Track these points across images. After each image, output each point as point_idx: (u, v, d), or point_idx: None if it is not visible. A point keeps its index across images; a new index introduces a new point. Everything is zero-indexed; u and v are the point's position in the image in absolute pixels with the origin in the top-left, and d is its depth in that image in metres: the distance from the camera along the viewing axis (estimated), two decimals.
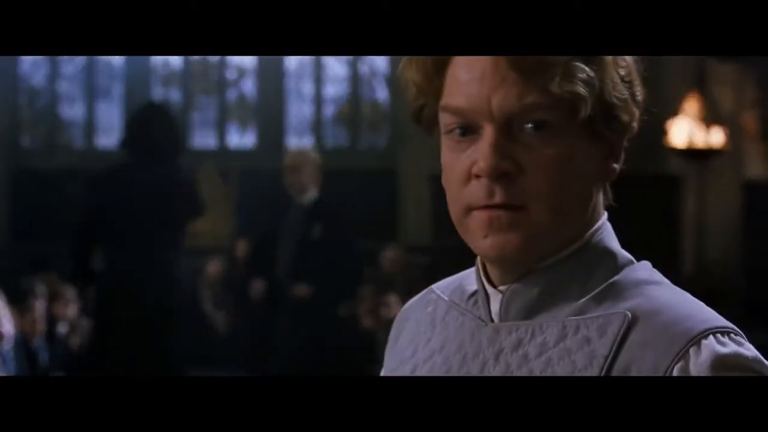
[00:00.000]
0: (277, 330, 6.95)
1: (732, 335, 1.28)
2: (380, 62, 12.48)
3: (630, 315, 1.29)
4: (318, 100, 12.87)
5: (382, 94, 12.82)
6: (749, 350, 1.28)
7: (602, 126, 1.32)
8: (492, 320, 1.38)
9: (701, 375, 1.25)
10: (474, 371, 1.36)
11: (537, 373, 1.31)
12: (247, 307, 8.93)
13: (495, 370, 1.35)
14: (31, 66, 12.85)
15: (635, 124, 1.35)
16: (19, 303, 7.20)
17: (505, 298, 1.37)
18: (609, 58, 1.32)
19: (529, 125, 1.30)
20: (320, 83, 12.84)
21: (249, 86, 12.99)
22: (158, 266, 5.95)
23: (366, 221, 9.27)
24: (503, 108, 1.30)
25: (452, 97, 1.33)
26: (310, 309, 6.64)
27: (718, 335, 1.27)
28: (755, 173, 11.28)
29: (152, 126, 5.98)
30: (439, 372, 1.40)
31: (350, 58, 12.44)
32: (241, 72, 12.98)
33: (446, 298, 1.47)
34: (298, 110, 12.94)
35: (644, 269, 1.37)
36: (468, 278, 1.46)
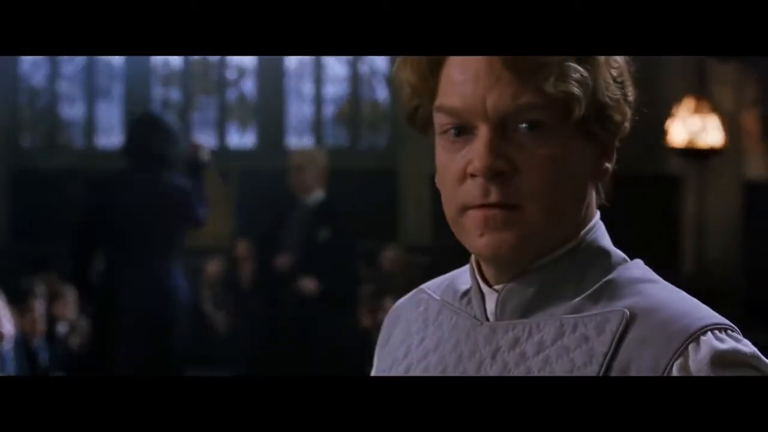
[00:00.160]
0: (278, 330, 6.93)
1: (729, 331, 1.30)
2: (380, 62, 12.47)
3: (628, 313, 1.30)
4: (318, 99, 12.86)
5: (382, 94, 12.82)
6: (747, 346, 1.29)
7: (595, 126, 1.33)
8: (487, 319, 1.39)
9: (701, 371, 1.26)
10: (470, 370, 1.37)
11: (535, 371, 1.32)
12: (247, 306, 8.94)
13: (492, 369, 1.35)
14: (31, 66, 12.84)
15: (627, 124, 1.37)
16: (19, 303, 7.20)
17: (500, 297, 1.37)
18: (602, 59, 1.33)
19: (524, 125, 1.31)
20: (320, 83, 12.83)
21: (249, 86, 12.99)
22: (157, 267, 5.96)
23: (366, 221, 9.26)
24: (498, 108, 1.30)
25: (447, 97, 1.34)
26: (313, 308, 6.64)
27: (716, 332, 1.28)
28: (755, 173, 11.27)
29: (149, 135, 6.03)
30: (434, 371, 1.40)
31: (350, 58, 12.43)
32: (241, 72, 12.98)
33: (438, 298, 1.48)
34: (298, 110, 12.93)
35: (638, 268, 1.38)
36: (459, 278, 1.47)
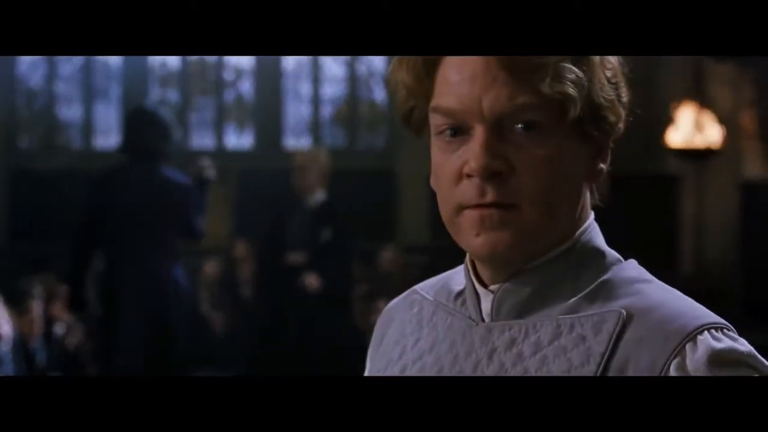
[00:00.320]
0: (279, 329, 6.93)
1: (725, 330, 1.30)
2: (378, 62, 12.46)
3: (625, 313, 1.31)
4: (316, 100, 12.86)
5: (379, 94, 12.82)
6: (743, 345, 1.30)
7: (590, 126, 1.34)
8: (483, 320, 1.39)
9: (698, 370, 1.26)
10: (467, 371, 1.37)
11: (532, 371, 1.32)
12: (246, 306, 8.94)
13: (489, 369, 1.35)
14: (29, 67, 12.84)
15: (621, 125, 1.37)
16: (16, 304, 7.20)
17: (496, 298, 1.37)
18: (597, 60, 1.33)
19: (520, 126, 1.31)
20: (318, 84, 12.83)
21: (247, 87, 12.98)
22: (157, 265, 5.96)
23: (364, 221, 9.26)
24: (494, 108, 1.31)
25: (443, 98, 1.34)
26: (315, 307, 6.64)
27: (713, 331, 1.29)
28: (753, 173, 11.28)
29: (144, 130, 6.04)
30: (430, 372, 1.40)
31: (348, 58, 12.43)
32: (239, 73, 12.97)
33: (431, 299, 1.48)
34: (296, 111, 12.92)
35: (633, 267, 1.39)
36: (453, 278, 1.47)
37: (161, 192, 5.97)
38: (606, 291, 1.34)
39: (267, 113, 12.70)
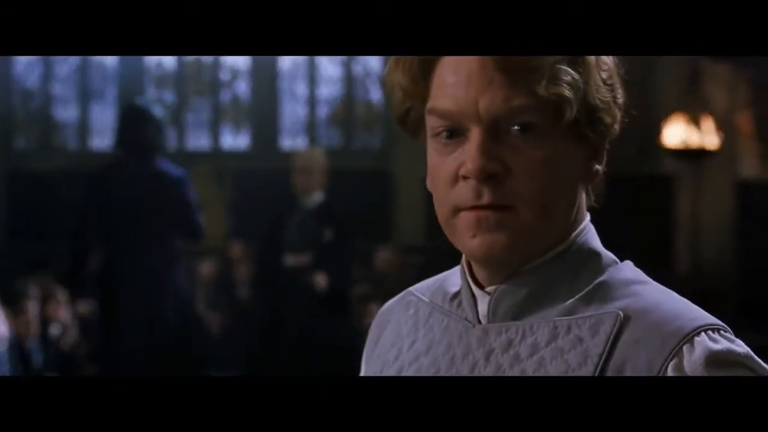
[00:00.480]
0: (278, 329, 6.92)
1: (722, 332, 1.30)
2: (374, 63, 12.46)
3: (622, 314, 1.31)
4: (312, 100, 12.85)
5: (375, 94, 12.81)
6: (740, 346, 1.30)
7: (586, 128, 1.34)
8: (479, 321, 1.39)
9: (695, 372, 1.26)
10: (464, 372, 1.37)
11: (530, 373, 1.32)
12: (243, 307, 8.93)
13: (486, 371, 1.35)
14: (26, 67, 12.83)
15: (617, 127, 1.37)
16: (12, 305, 7.19)
17: (493, 300, 1.37)
18: (593, 61, 1.33)
19: (516, 127, 1.31)
20: (314, 84, 12.82)
21: (243, 87, 12.97)
22: (157, 264, 5.98)
23: (360, 222, 9.26)
24: (490, 110, 1.31)
25: (439, 99, 1.34)
26: (316, 307, 6.65)
27: (710, 332, 1.29)
28: (749, 173, 11.28)
29: (138, 125, 6.08)
30: (426, 373, 1.40)
31: (344, 58, 12.42)
32: (235, 73, 12.96)
33: (427, 300, 1.47)
34: (292, 111, 12.92)
35: (629, 269, 1.39)
36: (448, 280, 1.47)
37: (157, 184, 6.01)
38: (602, 292, 1.34)
39: (263, 114, 12.70)
